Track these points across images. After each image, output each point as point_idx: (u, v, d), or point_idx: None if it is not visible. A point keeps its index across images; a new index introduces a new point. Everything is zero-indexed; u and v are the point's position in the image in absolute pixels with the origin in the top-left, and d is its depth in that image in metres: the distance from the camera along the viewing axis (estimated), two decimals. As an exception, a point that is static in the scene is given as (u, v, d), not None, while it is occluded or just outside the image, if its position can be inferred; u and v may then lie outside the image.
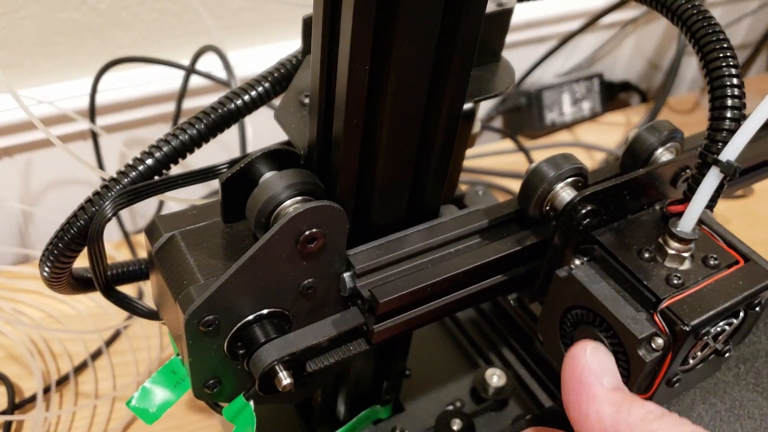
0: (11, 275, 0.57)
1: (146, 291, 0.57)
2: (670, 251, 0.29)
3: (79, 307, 0.55)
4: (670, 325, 0.27)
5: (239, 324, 0.28)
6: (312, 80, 0.28)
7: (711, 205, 0.29)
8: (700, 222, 0.29)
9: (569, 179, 0.30)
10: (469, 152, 0.36)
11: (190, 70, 0.58)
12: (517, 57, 0.77)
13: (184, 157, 0.30)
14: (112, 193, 0.28)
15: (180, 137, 0.30)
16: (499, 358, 0.46)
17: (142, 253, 0.60)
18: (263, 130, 0.52)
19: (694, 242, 0.29)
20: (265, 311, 0.28)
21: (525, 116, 0.79)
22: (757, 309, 0.29)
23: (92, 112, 0.57)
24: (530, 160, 0.73)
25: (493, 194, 0.47)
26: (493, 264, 0.31)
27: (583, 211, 0.29)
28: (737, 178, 0.30)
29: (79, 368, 0.51)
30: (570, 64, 0.83)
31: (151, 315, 0.34)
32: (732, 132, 0.27)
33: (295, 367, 0.29)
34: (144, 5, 0.57)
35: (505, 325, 0.48)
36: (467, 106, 0.31)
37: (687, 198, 0.29)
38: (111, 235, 0.63)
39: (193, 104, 0.61)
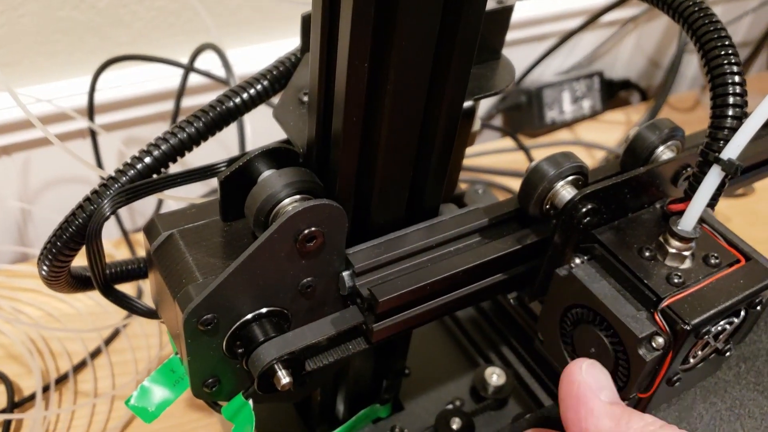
0: (10, 274, 0.57)
1: (145, 289, 0.57)
2: (671, 250, 0.29)
3: (78, 306, 0.55)
4: (670, 324, 0.27)
5: (238, 323, 0.28)
6: (311, 78, 0.28)
7: (712, 203, 0.29)
8: (701, 221, 0.29)
9: (569, 177, 0.30)
10: (469, 150, 0.36)
11: (189, 68, 0.58)
12: (517, 55, 0.77)
13: (182, 155, 0.30)
14: (111, 191, 0.28)
15: (178, 135, 0.30)
16: (499, 357, 0.46)
17: (141, 252, 0.60)
18: (262, 128, 0.51)
19: (694, 241, 0.29)
20: (264, 310, 0.28)
21: (525, 114, 0.79)
22: (758, 308, 0.29)
23: (91, 111, 0.57)
24: (530, 159, 0.73)
25: (493, 193, 0.47)
26: (493, 263, 0.31)
27: (584, 209, 0.29)
28: (739, 177, 0.30)
29: (79, 367, 0.51)
30: (570, 62, 0.83)
31: (150, 314, 0.34)
32: (734, 130, 0.27)
33: (294, 366, 0.29)
34: (143, 3, 0.56)
35: (505, 323, 0.47)
36: (467, 104, 0.31)
37: (688, 196, 0.29)
38: (110, 233, 0.63)
39: (191, 102, 0.61)
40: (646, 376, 0.28)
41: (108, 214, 0.28)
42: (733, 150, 0.27)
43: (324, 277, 0.29)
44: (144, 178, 0.29)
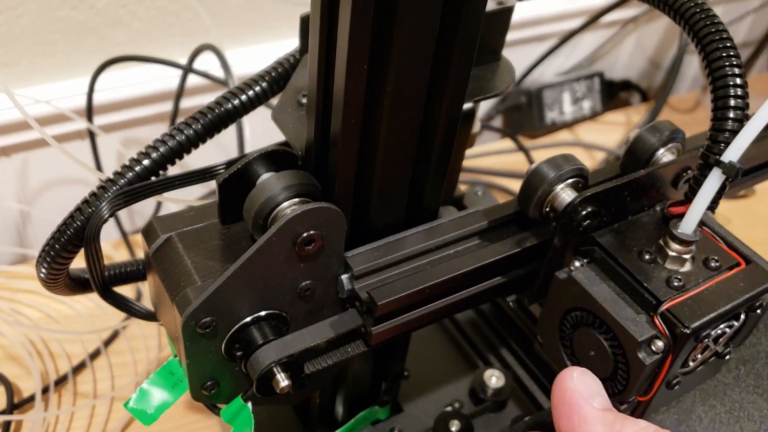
0: (9, 275, 0.57)
1: (144, 291, 0.56)
2: (671, 253, 0.29)
3: (78, 308, 0.55)
4: (670, 328, 0.27)
5: (237, 326, 0.28)
6: (309, 80, 0.27)
7: (712, 206, 0.29)
8: (702, 223, 0.29)
9: (569, 180, 0.30)
10: (468, 152, 0.36)
11: (188, 69, 0.58)
12: (517, 55, 0.77)
13: (181, 157, 0.30)
14: (109, 194, 0.28)
15: (177, 138, 0.30)
16: (498, 359, 0.46)
17: (140, 253, 0.59)
18: (261, 129, 0.51)
19: (695, 244, 0.29)
20: (262, 313, 0.28)
21: (525, 115, 0.79)
22: (758, 311, 0.29)
23: (89, 111, 0.57)
24: (530, 160, 0.73)
25: (493, 194, 0.47)
26: (493, 266, 0.31)
27: (584, 212, 0.29)
28: (739, 179, 0.29)
29: (78, 368, 0.50)
30: (570, 63, 0.83)
31: (149, 316, 0.33)
32: (735, 133, 0.27)
33: (293, 368, 0.29)
34: (142, 4, 0.56)
35: (505, 326, 0.47)
36: (467, 105, 0.31)
37: (688, 199, 0.29)
38: (109, 234, 0.63)
39: (190, 103, 0.61)
40: (645, 379, 0.28)
41: (106, 216, 0.28)
42: (733, 153, 0.27)
43: (323, 280, 0.28)
44: (142, 180, 0.29)
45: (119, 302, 0.32)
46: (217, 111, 0.31)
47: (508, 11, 0.32)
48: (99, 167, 0.60)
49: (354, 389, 0.38)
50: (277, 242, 0.26)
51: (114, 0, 0.55)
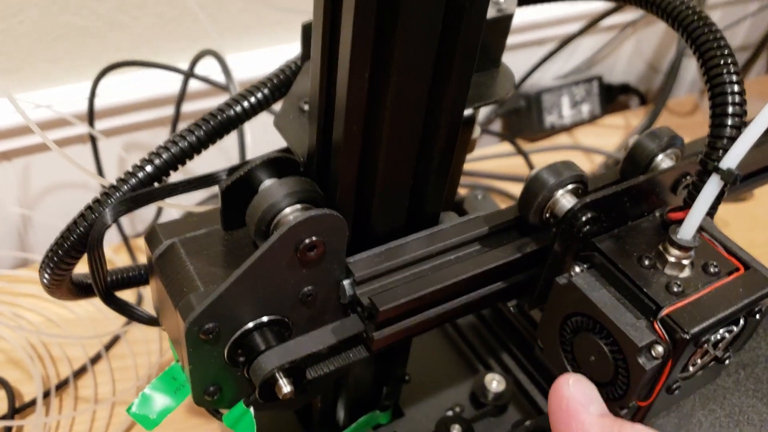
0: (10, 279, 0.57)
1: (145, 295, 0.57)
2: (671, 258, 0.29)
3: (79, 312, 0.55)
4: (670, 333, 0.27)
5: (239, 332, 0.28)
6: (312, 86, 0.28)
7: (711, 212, 0.29)
8: (701, 229, 0.29)
9: (569, 186, 0.30)
10: (468, 156, 0.36)
11: (189, 74, 0.58)
12: (516, 59, 0.77)
13: (183, 164, 0.30)
14: (112, 200, 0.28)
15: (179, 144, 0.30)
16: (499, 363, 0.46)
17: (142, 257, 0.60)
18: (262, 135, 0.52)
19: (694, 250, 0.29)
20: (265, 319, 0.28)
21: (524, 119, 0.79)
22: (758, 316, 0.29)
23: (91, 116, 0.57)
24: (529, 163, 0.73)
25: (493, 198, 0.47)
26: (494, 271, 0.31)
27: (584, 218, 0.29)
28: (738, 185, 0.30)
29: (79, 373, 0.51)
30: (569, 67, 0.83)
31: (151, 321, 0.34)
32: (733, 139, 0.27)
33: (296, 374, 0.29)
34: (143, 9, 0.57)
35: (505, 330, 0.48)
36: (467, 111, 0.31)
37: (687, 205, 0.29)
38: (110, 238, 0.63)
39: (191, 108, 0.61)
40: (645, 384, 0.28)
41: (109, 223, 0.28)
42: (732, 159, 0.27)
43: (325, 285, 0.29)
44: (145, 186, 0.29)
45: (122, 307, 0.32)
46: (219, 117, 0.31)
47: (508, 18, 0.32)
48: (100, 172, 0.60)
49: (355, 394, 0.38)
50: (279, 249, 0.26)
51: (115, 5, 0.55)
